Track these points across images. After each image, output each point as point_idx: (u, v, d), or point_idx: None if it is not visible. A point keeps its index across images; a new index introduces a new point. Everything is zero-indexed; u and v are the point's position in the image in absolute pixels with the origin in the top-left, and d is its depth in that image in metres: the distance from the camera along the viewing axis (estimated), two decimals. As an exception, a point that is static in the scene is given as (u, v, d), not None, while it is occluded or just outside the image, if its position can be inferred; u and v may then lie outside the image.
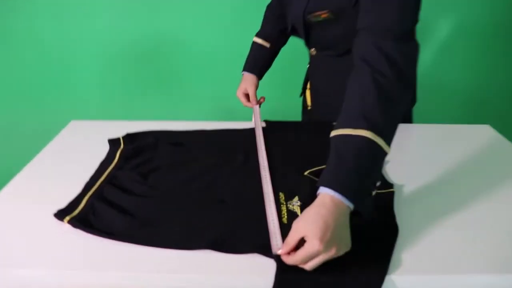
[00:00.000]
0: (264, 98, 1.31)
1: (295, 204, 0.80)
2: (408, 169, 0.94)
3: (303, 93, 1.34)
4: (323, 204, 0.64)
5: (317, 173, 0.89)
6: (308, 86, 1.29)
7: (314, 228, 0.61)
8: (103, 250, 0.69)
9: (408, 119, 1.21)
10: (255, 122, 1.15)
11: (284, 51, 1.34)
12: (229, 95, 1.47)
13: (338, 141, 0.69)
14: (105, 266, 0.66)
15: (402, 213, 0.79)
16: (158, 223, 0.75)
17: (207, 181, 0.88)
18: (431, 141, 1.11)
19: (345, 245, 0.64)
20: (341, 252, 0.63)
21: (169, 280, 0.65)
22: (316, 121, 1.25)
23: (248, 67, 1.30)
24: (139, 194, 0.83)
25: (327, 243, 0.60)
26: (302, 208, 0.78)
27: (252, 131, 1.11)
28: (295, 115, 1.43)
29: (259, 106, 1.28)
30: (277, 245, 0.68)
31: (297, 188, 0.85)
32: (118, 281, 0.65)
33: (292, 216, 0.76)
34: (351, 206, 0.65)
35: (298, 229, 0.64)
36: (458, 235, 0.73)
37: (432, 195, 0.85)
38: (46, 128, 1.47)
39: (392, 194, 0.84)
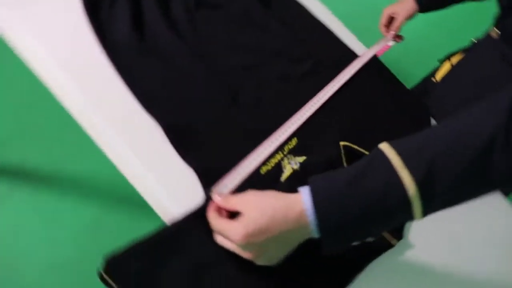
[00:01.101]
0: (403, 38, 1.05)
1: (294, 162, 0.66)
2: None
3: (442, 60, 1.04)
4: (289, 206, 0.50)
5: (350, 152, 0.72)
6: (452, 60, 0.99)
7: (255, 219, 0.49)
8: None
9: None
10: (366, 52, 0.93)
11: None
12: None
13: (375, 159, 0.49)
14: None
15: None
16: None
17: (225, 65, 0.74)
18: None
19: (269, 260, 0.52)
20: (259, 263, 0.52)
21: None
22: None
23: None
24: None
25: (249, 244, 0.49)
26: (298, 174, 0.64)
27: (348, 52, 0.90)
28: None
29: (392, 41, 1.04)
30: (223, 189, 0.57)
31: (316, 149, 0.69)
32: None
33: (277, 171, 0.63)
34: (316, 236, 0.50)
35: (245, 202, 0.52)
36: None
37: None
38: None
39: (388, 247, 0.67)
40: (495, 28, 0.88)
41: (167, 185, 0.59)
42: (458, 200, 0.50)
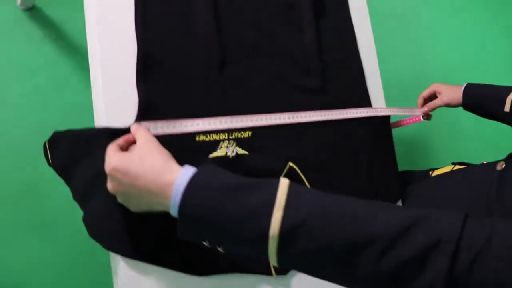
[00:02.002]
0: (430, 118, 1.02)
1: (231, 149, 0.67)
2: None
3: (454, 163, 1.00)
4: (165, 172, 0.50)
5: (292, 175, 0.72)
6: (457, 166, 0.95)
7: (131, 160, 0.51)
8: None
9: None
10: (383, 108, 0.91)
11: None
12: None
13: (267, 185, 0.49)
14: None
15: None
16: None
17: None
18: None
19: (125, 202, 0.54)
20: (118, 199, 0.54)
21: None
22: None
23: (471, 85, 0.99)
24: None
25: (112, 177, 0.51)
26: (226, 161, 0.66)
27: (363, 96, 0.89)
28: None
29: (422, 118, 1.02)
30: (150, 128, 0.60)
31: (263, 154, 0.70)
32: None
33: (211, 146, 0.65)
34: (173, 213, 0.50)
35: (143, 143, 0.54)
36: None
37: None
38: None
39: None
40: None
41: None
42: (316, 275, 0.49)
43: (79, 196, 0.65)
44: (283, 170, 0.72)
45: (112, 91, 0.62)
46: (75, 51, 1.33)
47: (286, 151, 0.73)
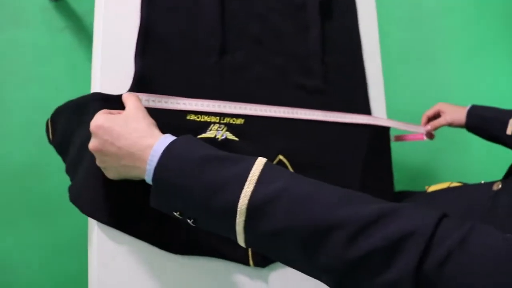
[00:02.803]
0: (433, 137, 1.01)
1: (221, 133, 0.68)
2: None
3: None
4: (146, 137, 0.51)
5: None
6: (454, 184, 0.93)
7: (116, 121, 0.52)
8: None
9: None
10: (385, 119, 0.91)
11: None
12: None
13: (245, 161, 0.49)
14: None
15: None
16: None
17: None
18: None
19: (102, 164, 0.55)
20: (96, 162, 0.55)
21: None
22: None
23: (476, 107, 0.98)
24: None
25: (95, 135, 0.52)
26: (214, 143, 0.66)
27: (363, 104, 0.88)
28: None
29: (425, 136, 1.01)
30: (143, 100, 0.61)
31: (253, 142, 0.70)
32: None
33: (200, 127, 0.65)
34: (148, 178, 0.50)
35: (133, 109, 0.55)
36: None
37: None
38: None
39: None
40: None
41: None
42: (281, 258, 0.48)
43: (69, 168, 0.66)
44: (273, 161, 0.72)
45: (111, 63, 0.64)
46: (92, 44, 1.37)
47: (278, 144, 0.73)
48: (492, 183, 0.82)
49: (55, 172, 1.18)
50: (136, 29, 0.65)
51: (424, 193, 0.94)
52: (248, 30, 0.75)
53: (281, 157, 0.73)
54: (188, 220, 0.50)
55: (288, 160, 0.73)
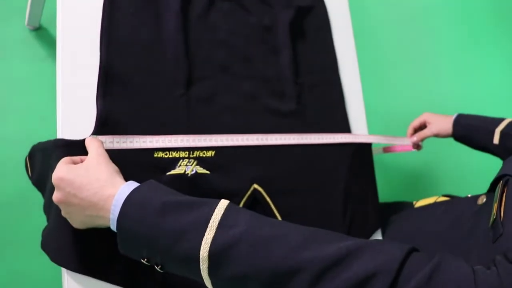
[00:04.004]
0: (421, 148, 1.00)
1: (191, 168, 0.66)
2: None
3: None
4: (108, 186, 0.50)
5: (256, 198, 0.71)
6: (441, 198, 0.91)
7: (77, 172, 0.51)
8: None
9: None
10: (364, 136, 0.89)
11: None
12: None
13: (206, 205, 0.49)
14: None
15: None
16: None
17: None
18: None
19: (68, 216, 0.54)
20: (62, 213, 0.54)
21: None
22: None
23: (462, 116, 0.97)
24: None
25: (57, 187, 0.52)
26: (184, 179, 0.65)
27: (342, 121, 0.87)
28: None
29: (412, 147, 0.99)
30: (107, 142, 0.60)
31: (226, 174, 0.69)
32: None
33: (168, 164, 0.64)
34: (113, 227, 0.50)
35: (94, 156, 0.54)
36: None
37: None
38: None
39: None
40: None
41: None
42: None
43: (45, 208, 0.66)
44: (247, 192, 0.70)
45: (73, 105, 0.63)
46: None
47: (252, 173, 0.72)
48: (477, 197, 0.80)
49: (39, 206, 1.18)
50: (97, 69, 0.65)
51: (411, 208, 0.93)
52: (213, 58, 0.74)
53: (256, 186, 0.71)
54: (156, 267, 0.50)
55: (264, 189, 0.72)
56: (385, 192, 1.02)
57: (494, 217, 0.60)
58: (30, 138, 1.18)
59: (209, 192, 0.66)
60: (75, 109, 0.63)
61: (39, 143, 0.65)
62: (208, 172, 0.68)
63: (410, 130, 1.06)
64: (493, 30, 2.05)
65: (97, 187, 0.50)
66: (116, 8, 0.68)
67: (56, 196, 0.52)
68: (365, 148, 0.89)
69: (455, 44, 1.98)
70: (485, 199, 0.77)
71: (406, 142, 1.02)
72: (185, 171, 0.66)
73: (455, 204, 0.85)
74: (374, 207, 0.88)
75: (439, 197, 0.92)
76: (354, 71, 0.93)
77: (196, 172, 0.67)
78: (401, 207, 0.98)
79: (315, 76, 0.85)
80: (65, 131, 0.62)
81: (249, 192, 0.70)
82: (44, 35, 1.37)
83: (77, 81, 0.64)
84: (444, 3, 2.03)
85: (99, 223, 0.52)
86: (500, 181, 0.65)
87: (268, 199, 0.72)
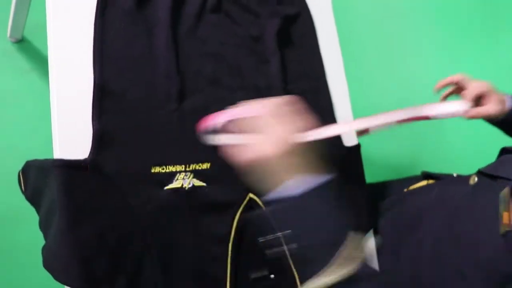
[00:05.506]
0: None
1: (188, 181, 0.67)
2: None
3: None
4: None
5: (252, 207, 0.72)
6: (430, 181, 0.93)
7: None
8: None
9: None
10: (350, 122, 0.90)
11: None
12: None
13: None
14: None
15: None
16: None
17: None
18: None
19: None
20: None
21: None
22: None
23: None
24: None
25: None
26: (182, 193, 0.66)
27: None
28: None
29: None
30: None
31: (222, 185, 0.70)
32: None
33: (166, 178, 0.65)
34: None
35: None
36: None
37: None
38: None
39: None
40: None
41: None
42: None
43: (41, 225, 0.66)
44: (243, 201, 0.72)
45: (69, 125, 0.64)
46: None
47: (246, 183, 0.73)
48: (468, 177, 0.80)
49: (30, 220, 1.18)
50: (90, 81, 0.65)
51: (404, 195, 0.95)
52: (204, 71, 0.75)
53: (251, 195, 0.73)
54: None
55: (259, 198, 0.74)
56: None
57: (507, 229, 0.59)
58: (18, 150, 1.19)
59: (206, 204, 0.68)
60: (70, 125, 0.64)
61: (35, 160, 0.66)
62: (204, 184, 0.69)
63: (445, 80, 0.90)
64: (475, 28, 2.09)
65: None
66: (107, 24, 0.69)
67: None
68: (353, 150, 0.91)
69: (437, 41, 2.02)
70: (476, 179, 0.78)
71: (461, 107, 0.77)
72: (182, 184, 0.67)
73: (446, 187, 0.86)
74: (366, 208, 0.90)
75: (428, 180, 0.94)
76: (340, 76, 0.95)
77: (193, 185, 0.68)
78: (393, 190, 1.00)
79: (303, 82, 0.87)
80: (62, 149, 0.62)
81: (245, 202, 0.72)
82: (27, 47, 1.36)
83: (71, 95, 0.65)
84: (426, 2, 2.07)
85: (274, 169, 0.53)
86: (497, 179, 0.66)
87: (264, 207, 0.74)
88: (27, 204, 0.70)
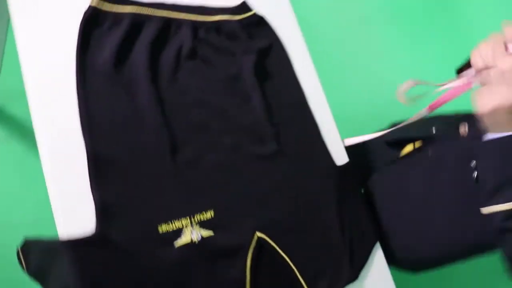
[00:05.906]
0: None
1: (196, 233, 0.68)
2: None
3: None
4: None
5: (262, 245, 0.72)
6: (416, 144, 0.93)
7: None
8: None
9: None
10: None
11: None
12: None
13: None
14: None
15: None
16: None
17: None
18: None
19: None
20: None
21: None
22: None
23: None
24: None
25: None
26: (193, 246, 0.66)
27: (324, 155, 0.90)
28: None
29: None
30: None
31: (229, 230, 0.70)
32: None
33: (174, 235, 0.65)
34: None
35: None
36: None
37: None
38: None
39: None
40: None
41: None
42: None
43: None
44: (252, 241, 0.72)
45: (70, 200, 0.63)
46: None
47: (251, 223, 0.73)
48: (456, 129, 0.76)
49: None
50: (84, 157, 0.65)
51: (397, 160, 0.95)
52: (191, 120, 0.76)
53: (259, 234, 0.73)
54: None
55: (266, 234, 0.74)
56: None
57: None
58: (6, 222, 1.16)
59: (217, 252, 0.68)
60: (69, 199, 0.63)
61: (39, 241, 0.64)
62: (212, 233, 0.69)
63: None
64: (428, 29, 2.18)
65: None
66: (89, 92, 0.69)
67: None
68: (348, 171, 0.92)
69: (397, 44, 2.09)
70: (467, 127, 0.75)
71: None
72: (191, 239, 0.67)
73: (438, 148, 0.84)
74: (369, 223, 0.91)
75: (414, 144, 0.94)
76: (321, 99, 0.96)
77: (201, 237, 0.68)
78: (385, 157, 1.00)
79: (287, 112, 0.88)
80: (64, 228, 0.62)
81: (253, 242, 0.72)
82: (1, 115, 1.34)
83: (65, 168, 0.64)
84: (384, 7, 2.15)
85: None
86: None
87: (272, 243, 0.74)
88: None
